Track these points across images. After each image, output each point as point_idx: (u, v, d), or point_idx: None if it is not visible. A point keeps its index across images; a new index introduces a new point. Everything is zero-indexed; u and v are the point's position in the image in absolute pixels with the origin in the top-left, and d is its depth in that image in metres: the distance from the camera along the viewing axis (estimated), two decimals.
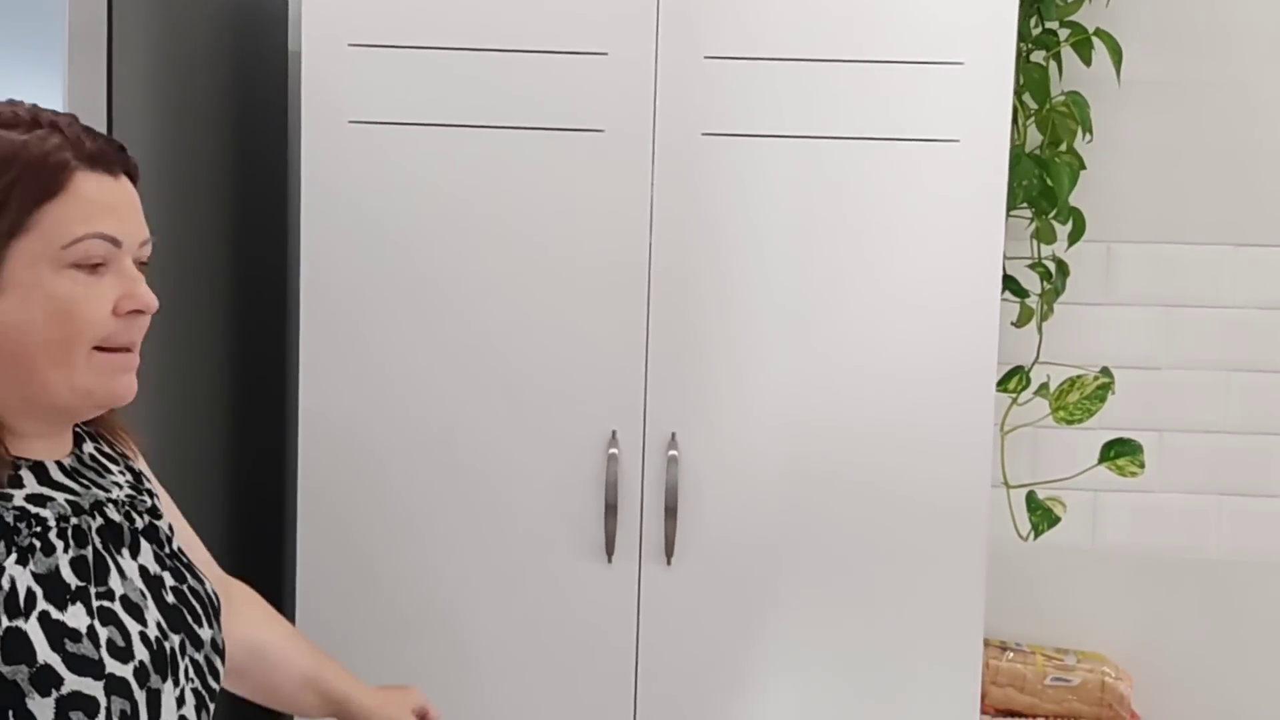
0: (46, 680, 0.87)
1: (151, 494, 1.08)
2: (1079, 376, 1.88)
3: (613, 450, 1.64)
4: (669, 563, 1.65)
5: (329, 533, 1.66)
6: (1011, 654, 1.99)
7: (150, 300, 0.96)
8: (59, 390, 0.93)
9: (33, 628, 0.88)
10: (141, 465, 1.11)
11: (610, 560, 1.65)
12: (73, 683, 0.88)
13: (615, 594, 1.65)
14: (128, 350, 0.96)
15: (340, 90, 1.61)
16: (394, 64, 1.60)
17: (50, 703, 0.86)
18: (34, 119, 0.94)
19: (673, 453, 1.63)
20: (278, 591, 2.00)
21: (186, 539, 1.17)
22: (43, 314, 0.90)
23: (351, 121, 1.62)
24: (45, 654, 0.87)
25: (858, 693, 1.66)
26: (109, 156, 0.95)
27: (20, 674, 0.86)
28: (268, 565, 1.97)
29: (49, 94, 1.27)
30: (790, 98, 1.61)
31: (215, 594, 1.07)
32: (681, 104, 1.61)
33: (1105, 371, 1.88)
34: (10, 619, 0.87)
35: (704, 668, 1.66)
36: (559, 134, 1.62)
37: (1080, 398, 1.84)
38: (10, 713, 0.85)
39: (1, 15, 1.29)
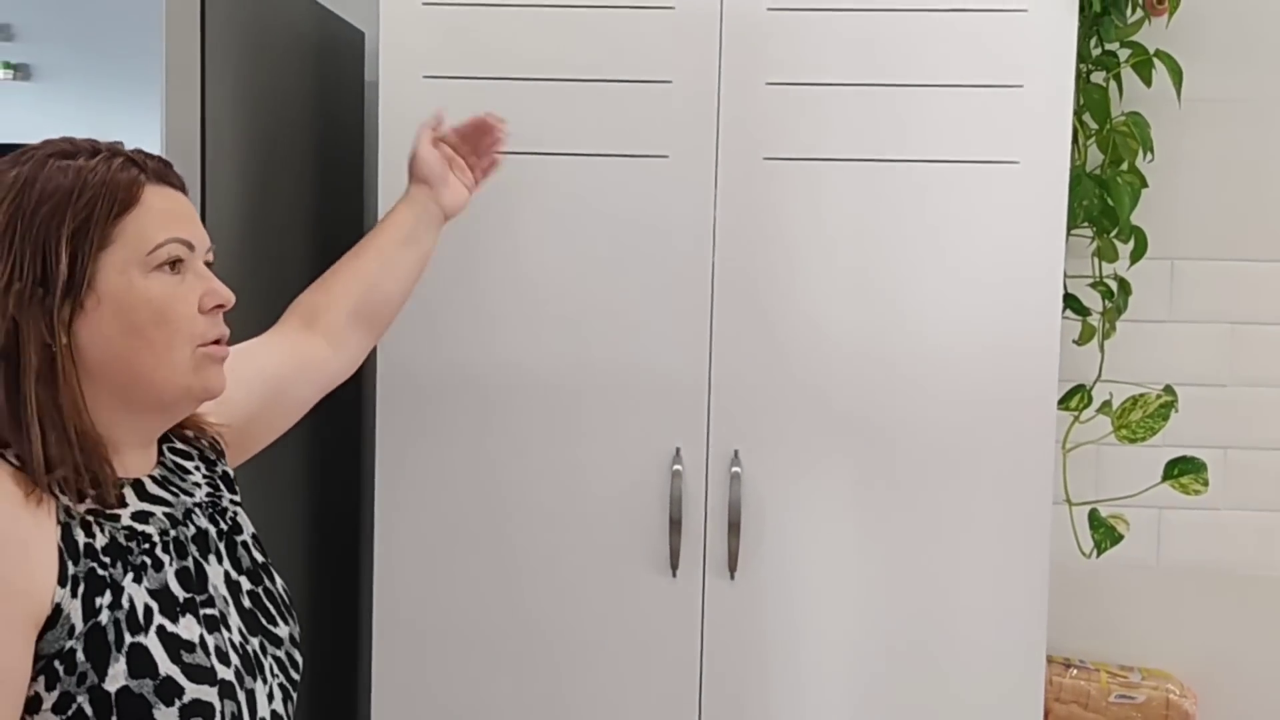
0: (170, 691, 0.92)
1: (226, 476, 1.12)
2: (1142, 395, 1.88)
3: (677, 467, 1.67)
4: (732, 577, 1.68)
5: (405, 544, 1.71)
6: (1075, 671, 1.99)
7: (229, 295, 1.02)
8: (167, 389, 0.99)
9: (152, 642, 0.93)
10: (206, 429, 1.13)
11: (675, 574, 1.68)
12: (193, 691, 0.93)
13: (679, 607, 1.69)
14: (218, 343, 1.02)
15: (416, 119, 1.67)
16: (466, 94, 1.66)
17: (174, 712, 0.91)
18: (93, 148, 1.00)
19: (735, 469, 1.67)
20: (354, 588, 2.06)
21: (246, 353, 1.20)
22: (142, 317, 0.96)
23: None
24: (166, 666, 0.92)
25: (919, 709, 1.68)
26: (166, 172, 1.02)
27: (145, 687, 0.91)
28: (345, 557, 2.03)
29: (148, 127, 1.35)
30: (851, 122, 1.64)
31: (286, 591, 1.11)
32: (744, 130, 1.65)
33: (1168, 390, 1.88)
34: (133, 635, 0.92)
35: (766, 680, 1.69)
36: (625, 160, 1.66)
37: (1143, 416, 1.85)
38: None
39: (104, 55, 1.37)
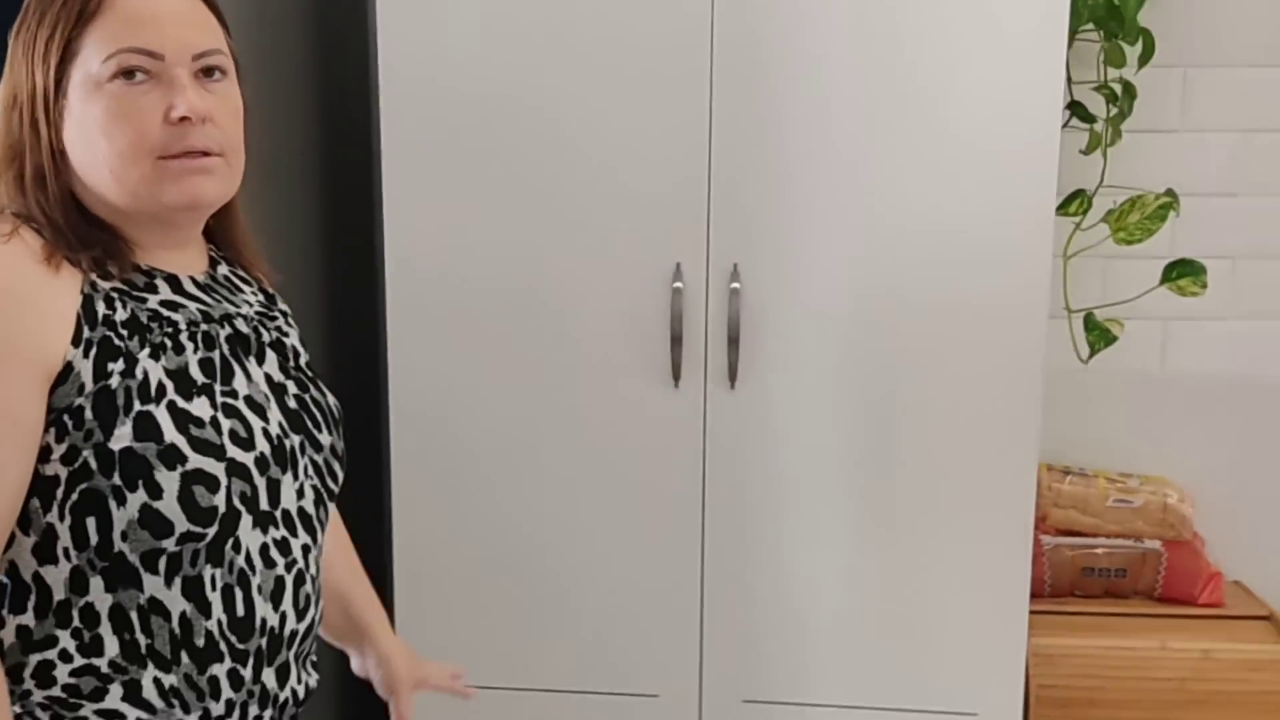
0: (172, 456, 0.97)
1: (284, 314, 1.15)
2: (1140, 196, 1.86)
3: (677, 284, 1.70)
4: (732, 386, 1.72)
5: (417, 366, 1.77)
6: (1074, 478, 2.03)
7: (195, 107, 0.97)
8: (129, 198, 0.99)
9: (161, 413, 0.98)
10: (280, 300, 1.17)
11: (677, 385, 1.73)
12: (195, 461, 0.98)
13: (682, 416, 1.74)
14: (188, 155, 0.98)
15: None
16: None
17: (175, 476, 0.97)
18: None
19: (735, 284, 1.69)
20: (375, 394, 2.11)
21: None
22: (99, 128, 0.97)
23: None
24: (171, 435, 0.98)
25: (914, 512, 1.72)
26: None
27: (149, 450, 0.96)
28: (363, 393, 2.08)
29: None
30: None
31: (337, 406, 1.14)
32: None
33: (1169, 191, 1.86)
34: (142, 404, 0.97)
35: (767, 483, 1.75)
36: None
37: (1141, 218, 1.83)
38: (140, 482, 0.96)
39: None
